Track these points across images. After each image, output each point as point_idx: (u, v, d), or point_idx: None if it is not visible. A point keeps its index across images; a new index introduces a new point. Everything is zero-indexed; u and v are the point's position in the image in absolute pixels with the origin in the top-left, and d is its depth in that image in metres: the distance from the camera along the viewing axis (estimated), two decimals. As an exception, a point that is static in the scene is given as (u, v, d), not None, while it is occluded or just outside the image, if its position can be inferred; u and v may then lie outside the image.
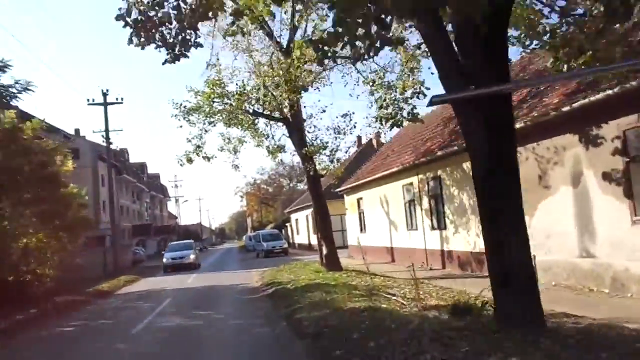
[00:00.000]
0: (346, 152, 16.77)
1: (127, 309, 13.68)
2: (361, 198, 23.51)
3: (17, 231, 16.60)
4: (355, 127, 15.50)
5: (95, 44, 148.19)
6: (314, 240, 35.64)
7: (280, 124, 17.88)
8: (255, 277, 19.43)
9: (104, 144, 64.37)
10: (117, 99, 28.62)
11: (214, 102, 17.74)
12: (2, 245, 15.91)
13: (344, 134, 15.51)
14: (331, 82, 16.21)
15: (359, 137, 42.09)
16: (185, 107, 18.10)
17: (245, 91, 16.56)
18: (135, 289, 19.77)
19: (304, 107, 16.44)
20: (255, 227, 77.77)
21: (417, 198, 16.87)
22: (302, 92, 15.31)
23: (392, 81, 10.60)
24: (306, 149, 14.96)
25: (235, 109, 16.63)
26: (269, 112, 17.47)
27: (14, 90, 12.40)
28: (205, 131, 18.45)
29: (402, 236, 18.39)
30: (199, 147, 18.31)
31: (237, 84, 16.81)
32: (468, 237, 13.53)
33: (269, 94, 15.54)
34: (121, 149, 68.59)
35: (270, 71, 15.60)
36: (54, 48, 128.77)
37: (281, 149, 19.30)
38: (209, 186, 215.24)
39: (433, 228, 15.81)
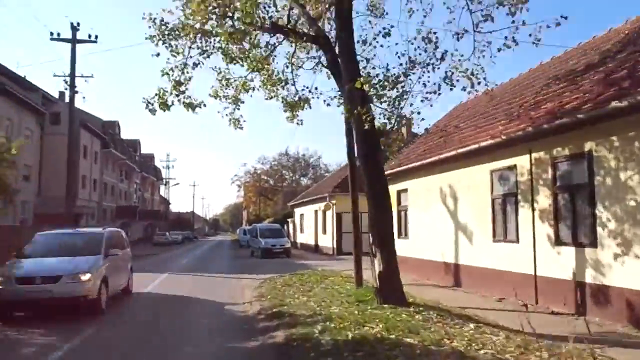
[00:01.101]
0: (425, 100, 9.71)
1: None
2: (404, 190, 16.98)
3: None
4: (443, 58, 8.94)
5: None
6: (324, 242, 29.18)
7: (313, 48, 11.37)
8: (248, 291, 12.94)
9: (97, 115, 57.58)
10: (89, 36, 21.96)
11: (212, 14, 11.23)
12: None
13: (426, 66, 8.92)
14: (387, 13, 9.77)
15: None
16: (166, 24, 11.59)
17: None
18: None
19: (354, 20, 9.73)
20: (251, 220, 71.22)
21: (523, 191, 10.36)
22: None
23: None
24: (362, 78, 8.37)
25: (244, 17, 10.08)
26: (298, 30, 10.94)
27: None
28: (195, 65, 11.98)
29: (481, 249, 11.91)
30: (179, 84, 11.77)
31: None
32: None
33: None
34: (111, 121, 62.27)
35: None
36: None
37: (304, 102, 12.85)
38: (205, 172, 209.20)
39: (559, 242, 9.29)
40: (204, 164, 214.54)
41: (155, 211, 77.39)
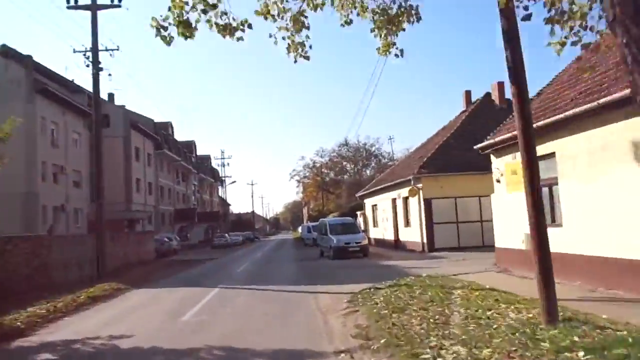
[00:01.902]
0: None
1: None
2: (547, 156, 11.56)
3: None
4: None
5: None
6: (408, 236, 23.62)
7: None
8: (335, 320, 8.19)
9: (146, 113, 55.17)
10: (112, 0, 17.99)
11: None
12: None
13: None
14: None
15: (468, 93, 30.13)
16: None
17: None
18: (68, 334, 8.88)
19: None
20: (313, 216, 66.97)
21: None
22: None
23: None
24: None
25: None
26: None
27: None
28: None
29: None
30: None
31: None
32: None
33: None
34: (163, 122, 59.96)
35: None
36: None
37: (408, 12, 7.91)
38: (262, 170, 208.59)
39: None
40: (261, 162, 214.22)
41: (214, 213, 75.04)
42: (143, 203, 46.92)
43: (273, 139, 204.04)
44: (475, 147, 14.64)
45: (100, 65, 18.23)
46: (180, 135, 72.53)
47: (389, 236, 27.57)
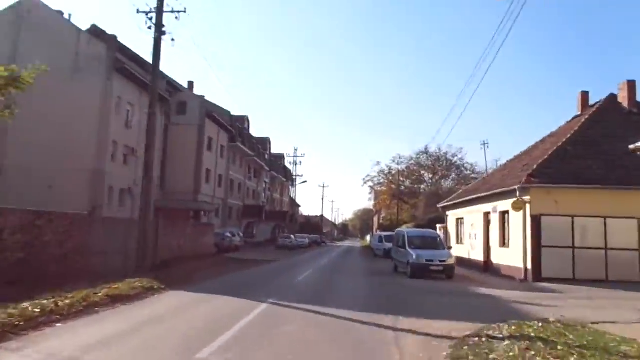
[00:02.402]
0: None
1: None
2: None
3: None
4: None
5: None
6: (503, 259, 18.57)
7: None
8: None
9: (225, 107, 53.78)
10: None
11: None
12: None
13: None
14: None
15: (585, 94, 25.30)
16: None
17: None
18: (36, 355, 6.12)
19: None
20: (385, 226, 62.94)
21: None
22: None
23: None
24: None
25: None
26: None
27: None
28: None
29: None
30: None
31: None
32: None
33: None
34: (240, 115, 58.93)
35: None
36: None
37: None
38: (335, 175, 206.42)
39: None
40: (334, 165, 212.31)
41: (283, 212, 73.21)
42: (212, 195, 45.56)
43: (349, 142, 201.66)
44: (631, 146, 10.51)
45: (163, 29, 15.99)
46: (255, 131, 71.50)
47: (477, 256, 23.31)
